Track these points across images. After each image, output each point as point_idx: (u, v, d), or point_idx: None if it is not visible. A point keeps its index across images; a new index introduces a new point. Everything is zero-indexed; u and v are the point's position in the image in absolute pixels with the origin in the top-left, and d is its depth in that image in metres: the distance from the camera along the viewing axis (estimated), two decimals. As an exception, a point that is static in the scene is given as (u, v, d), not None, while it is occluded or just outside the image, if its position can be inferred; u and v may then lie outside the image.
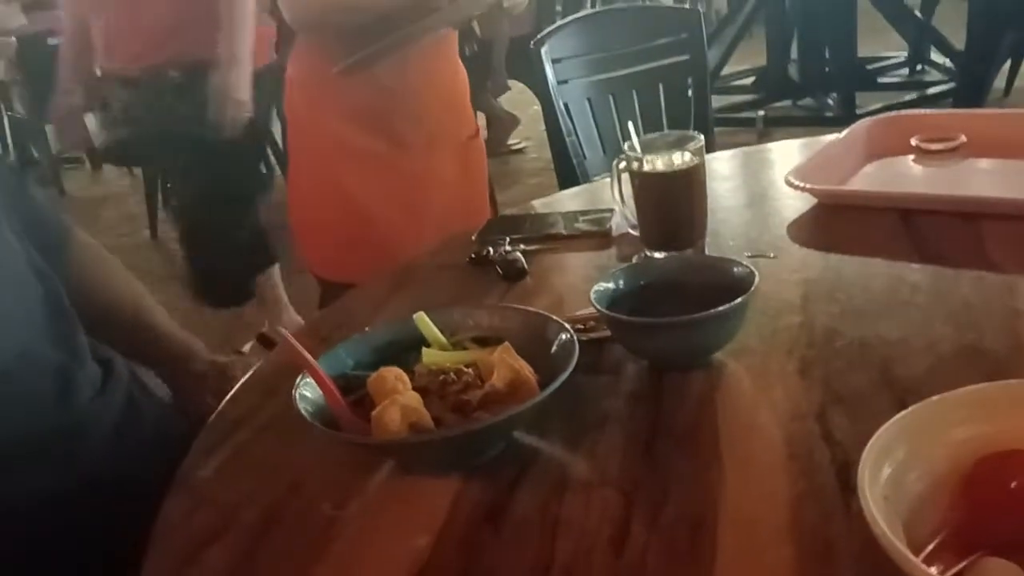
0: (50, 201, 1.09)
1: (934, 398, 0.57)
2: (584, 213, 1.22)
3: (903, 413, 0.56)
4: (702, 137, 1.03)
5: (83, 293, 1.00)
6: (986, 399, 0.57)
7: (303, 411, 0.71)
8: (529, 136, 4.83)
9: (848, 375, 0.76)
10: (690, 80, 2.13)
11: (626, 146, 1.05)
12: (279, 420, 0.83)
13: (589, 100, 2.04)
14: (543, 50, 1.96)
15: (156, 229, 4.27)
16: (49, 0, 5.00)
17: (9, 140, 5.55)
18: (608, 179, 1.10)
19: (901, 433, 0.55)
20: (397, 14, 1.55)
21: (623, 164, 1.06)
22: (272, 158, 4.67)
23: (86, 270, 1.06)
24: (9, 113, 5.54)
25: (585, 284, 0.89)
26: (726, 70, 4.94)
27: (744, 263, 0.84)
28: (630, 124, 1.06)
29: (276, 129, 4.36)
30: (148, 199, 4.27)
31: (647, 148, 1.04)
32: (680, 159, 1.01)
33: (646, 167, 1.03)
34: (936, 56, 4.75)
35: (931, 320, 0.84)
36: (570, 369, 0.71)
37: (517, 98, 4.75)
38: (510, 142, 4.80)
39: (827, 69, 4.66)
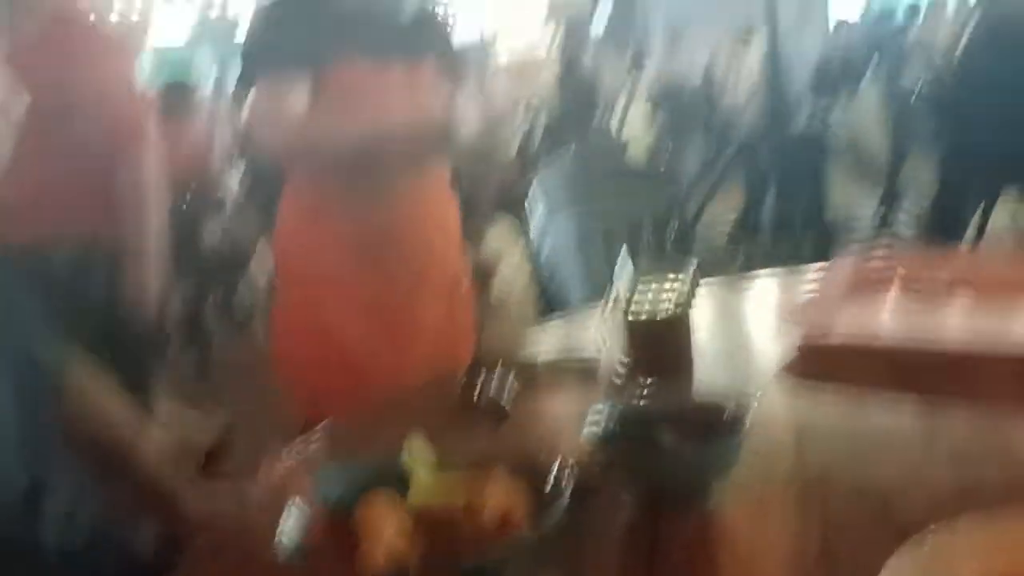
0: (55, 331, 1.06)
1: (938, 532, 0.56)
2: (571, 351, 1.22)
3: (907, 547, 0.54)
4: (691, 273, 1.04)
5: (75, 419, 0.98)
6: (990, 532, 0.56)
7: (285, 540, 0.67)
8: (513, 275, 4.88)
9: (847, 513, 0.74)
10: (675, 219, 2.19)
11: (614, 285, 1.06)
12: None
13: (576, 235, 2.08)
14: (532, 184, 2.01)
15: (134, 367, 4.23)
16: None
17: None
18: (595, 314, 1.11)
19: (908, 568, 0.53)
20: (380, 147, 1.58)
21: (611, 303, 1.07)
22: (254, 294, 4.70)
23: (91, 400, 1.03)
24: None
25: (574, 423, 0.88)
26: (707, 216, 5.10)
27: (733, 401, 0.83)
28: (619, 261, 1.07)
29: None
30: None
31: (636, 283, 1.05)
32: (670, 292, 1.02)
33: (635, 306, 1.03)
34: (903, 212, 4.93)
35: (928, 457, 0.83)
36: (563, 503, 0.69)
37: (503, 237, 4.84)
38: (494, 280, 4.84)
39: (801, 216, 4.81)
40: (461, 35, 2.04)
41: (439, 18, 1.81)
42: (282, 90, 1.58)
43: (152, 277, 2.06)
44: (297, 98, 1.57)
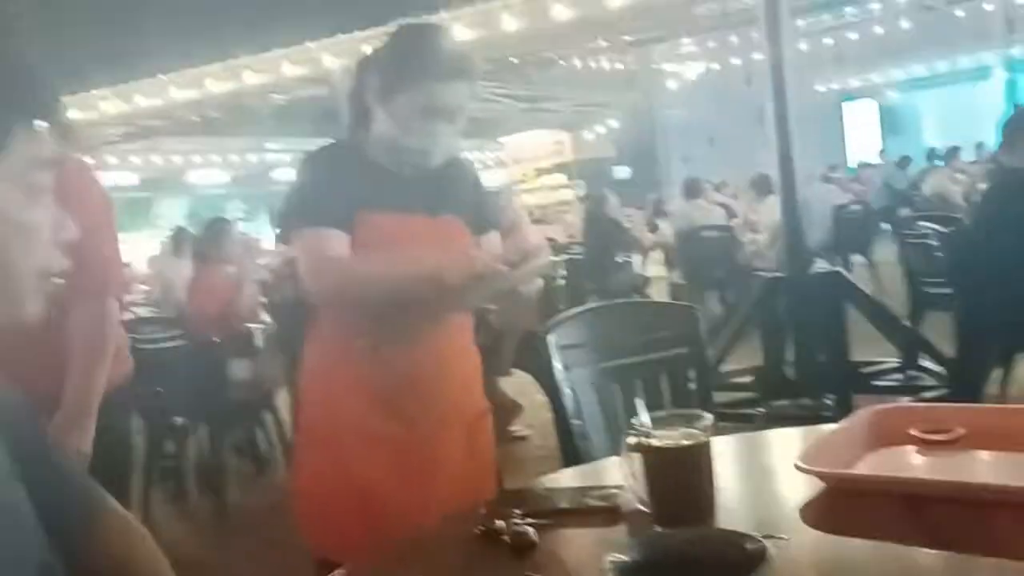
0: (82, 475, 1.09)
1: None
2: (593, 489, 1.23)
3: None
4: (710, 416, 1.07)
5: (109, 567, 0.98)
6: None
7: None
8: (532, 425, 4.87)
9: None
10: (692, 371, 2.21)
11: (635, 421, 1.08)
12: None
13: (594, 386, 2.10)
14: (550, 337, 2.05)
15: (149, 509, 4.19)
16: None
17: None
18: (615, 459, 1.12)
19: None
20: (402, 295, 1.64)
21: (632, 439, 1.09)
22: (274, 436, 4.70)
23: (119, 545, 1.04)
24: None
25: (595, 560, 0.89)
26: (725, 368, 5.09)
27: (756, 537, 0.84)
28: (637, 401, 1.10)
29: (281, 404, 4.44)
30: (146, 477, 4.23)
31: (656, 424, 1.07)
32: (689, 435, 1.04)
33: (655, 442, 1.05)
34: (927, 362, 4.92)
35: (951, 603, 0.82)
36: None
37: (522, 388, 4.86)
38: (512, 428, 4.83)
39: (822, 371, 4.80)
40: (488, 181, 2.13)
41: (465, 174, 1.90)
42: (316, 241, 1.67)
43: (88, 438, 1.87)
44: (330, 247, 1.66)
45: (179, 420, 4.33)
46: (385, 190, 1.72)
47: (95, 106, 10.68)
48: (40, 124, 0.83)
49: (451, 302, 1.66)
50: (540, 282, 1.73)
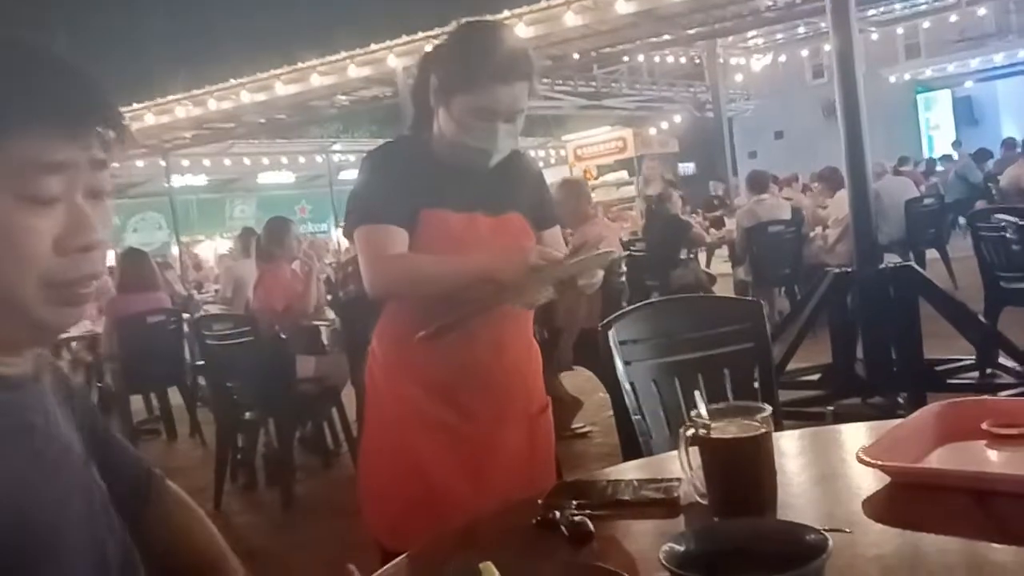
0: (139, 456, 1.14)
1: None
2: (651, 481, 1.22)
3: None
4: (769, 407, 1.05)
5: (166, 541, 1.02)
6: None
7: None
8: (594, 422, 4.86)
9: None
10: (756, 368, 2.17)
11: (693, 413, 1.07)
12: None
13: (655, 382, 2.08)
14: (611, 332, 2.04)
15: (220, 501, 4.30)
16: (148, 282, 5.47)
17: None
18: (674, 453, 1.12)
19: None
20: (460, 292, 1.66)
21: (691, 431, 1.08)
22: (342, 434, 4.79)
23: (171, 520, 1.08)
24: (99, 384, 5.85)
25: (653, 552, 0.88)
26: (791, 366, 5.00)
27: (816, 529, 0.83)
28: (697, 393, 1.09)
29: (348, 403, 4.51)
30: (217, 470, 4.35)
31: (715, 416, 1.06)
32: (747, 426, 1.03)
33: (714, 433, 1.04)
34: (1004, 359, 4.75)
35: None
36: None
37: (583, 385, 4.85)
38: (574, 425, 4.83)
39: (894, 369, 4.68)
40: (551, 178, 2.12)
41: (526, 170, 1.91)
42: (376, 238, 1.70)
43: None
44: (389, 245, 1.69)
45: (249, 415, 4.43)
46: (448, 188, 1.74)
47: (170, 111, 10.97)
48: (51, 128, 0.80)
49: (508, 299, 1.66)
50: (600, 275, 1.71)
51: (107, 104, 0.85)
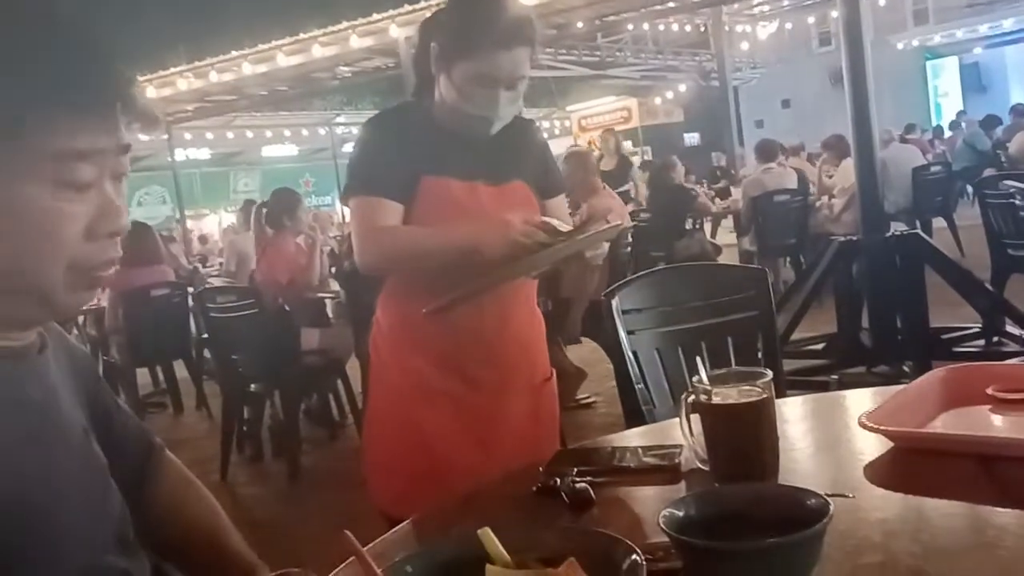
0: (142, 426, 1.14)
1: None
2: (652, 448, 1.22)
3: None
4: (770, 372, 1.04)
5: (164, 511, 1.02)
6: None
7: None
8: (599, 392, 4.86)
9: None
10: (760, 336, 2.16)
11: (695, 379, 1.06)
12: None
13: (658, 351, 2.07)
14: (614, 301, 2.03)
15: (227, 471, 4.32)
16: (152, 255, 5.47)
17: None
18: (676, 420, 1.11)
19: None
20: (455, 267, 1.65)
21: (692, 397, 1.07)
22: (347, 406, 4.80)
23: (173, 492, 1.08)
24: (105, 358, 5.87)
25: (653, 517, 0.88)
26: (796, 335, 4.99)
27: (818, 494, 0.82)
28: (698, 358, 1.08)
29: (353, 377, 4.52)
30: (223, 442, 4.37)
31: (716, 382, 1.05)
32: (748, 392, 1.02)
33: (715, 399, 1.04)
34: (1012, 327, 4.73)
35: (1020, 561, 0.79)
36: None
37: (587, 356, 4.85)
38: (578, 396, 4.83)
39: (899, 338, 4.67)
40: (556, 149, 2.10)
41: (530, 138, 1.89)
42: (367, 211, 1.69)
43: None
44: (381, 218, 1.68)
45: (254, 387, 4.44)
46: (449, 156, 1.72)
47: (172, 83, 10.92)
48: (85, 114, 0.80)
49: (499, 272, 1.64)
50: (605, 247, 1.70)
51: (130, 88, 0.85)
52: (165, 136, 13.40)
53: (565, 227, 1.64)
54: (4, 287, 0.81)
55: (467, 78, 1.64)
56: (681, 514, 0.84)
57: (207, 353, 5.62)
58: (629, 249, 5.28)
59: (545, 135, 2.17)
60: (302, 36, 9.88)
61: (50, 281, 0.81)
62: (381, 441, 1.87)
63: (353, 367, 4.54)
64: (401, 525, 1.16)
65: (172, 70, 10.96)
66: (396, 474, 1.82)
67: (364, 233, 1.70)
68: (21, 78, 0.77)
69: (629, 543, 0.77)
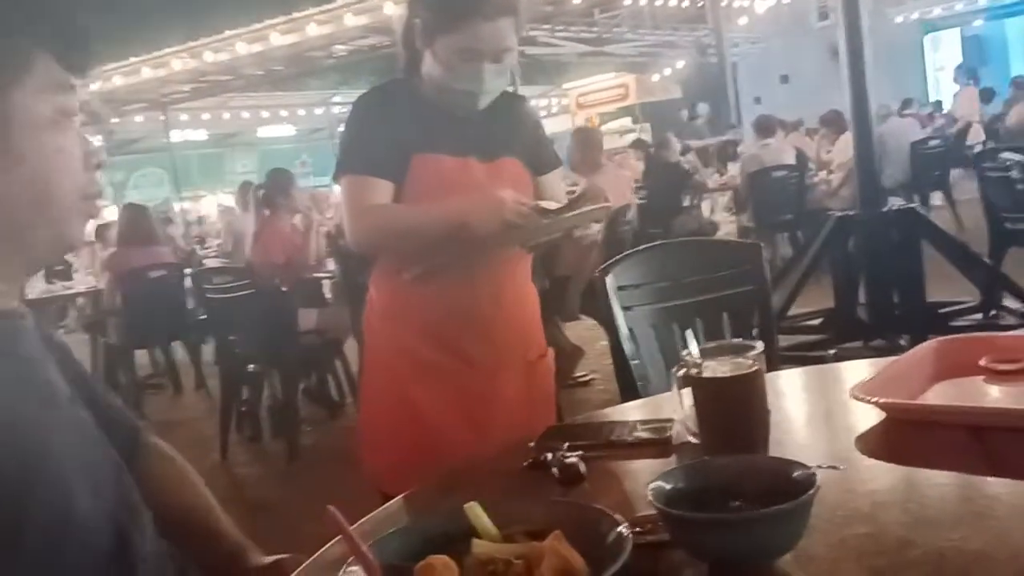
0: (124, 410, 1.14)
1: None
2: (644, 422, 1.22)
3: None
4: (761, 344, 1.04)
5: (148, 493, 1.02)
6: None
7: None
8: (596, 369, 4.87)
9: (923, 582, 0.72)
10: (755, 311, 2.15)
11: (685, 353, 1.06)
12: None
13: (654, 327, 2.07)
14: (608, 278, 2.03)
15: (226, 451, 4.34)
16: (149, 236, 5.46)
17: (100, 364, 5.84)
18: (668, 394, 1.11)
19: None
20: (444, 243, 1.64)
21: (682, 371, 1.07)
22: (346, 386, 4.81)
23: (157, 474, 1.08)
24: (103, 339, 5.87)
25: (643, 491, 0.87)
26: (794, 311, 4.99)
27: (805, 466, 0.82)
28: (688, 332, 1.08)
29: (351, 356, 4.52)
30: (222, 422, 4.38)
31: (707, 355, 1.05)
32: (739, 365, 1.01)
33: (706, 373, 1.03)
34: (1010, 301, 4.73)
35: (1011, 531, 0.79)
36: (621, 561, 0.68)
37: (584, 334, 4.85)
38: (576, 374, 4.84)
39: (897, 312, 4.66)
40: (551, 126, 2.08)
41: (523, 114, 1.87)
42: (356, 190, 1.68)
43: None
44: (370, 196, 1.67)
45: (252, 367, 4.44)
46: (439, 132, 1.70)
47: (167, 64, 10.86)
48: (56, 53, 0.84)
49: (488, 247, 1.63)
50: (596, 227, 1.69)
51: (84, 28, 0.89)
52: (161, 117, 13.35)
53: (554, 205, 1.63)
54: (24, 220, 0.84)
55: (451, 52, 1.62)
56: (669, 487, 0.84)
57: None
58: (628, 228, 5.26)
59: (543, 113, 2.16)
60: (296, 15, 9.82)
61: (67, 209, 0.86)
62: (376, 418, 1.87)
63: (352, 347, 4.54)
64: (392, 502, 1.16)
65: (166, 50, 10.89)
66: (391, 451, 1.82)
67: (354, 212, 1.69)
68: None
69: (615, 516, 0.77)
